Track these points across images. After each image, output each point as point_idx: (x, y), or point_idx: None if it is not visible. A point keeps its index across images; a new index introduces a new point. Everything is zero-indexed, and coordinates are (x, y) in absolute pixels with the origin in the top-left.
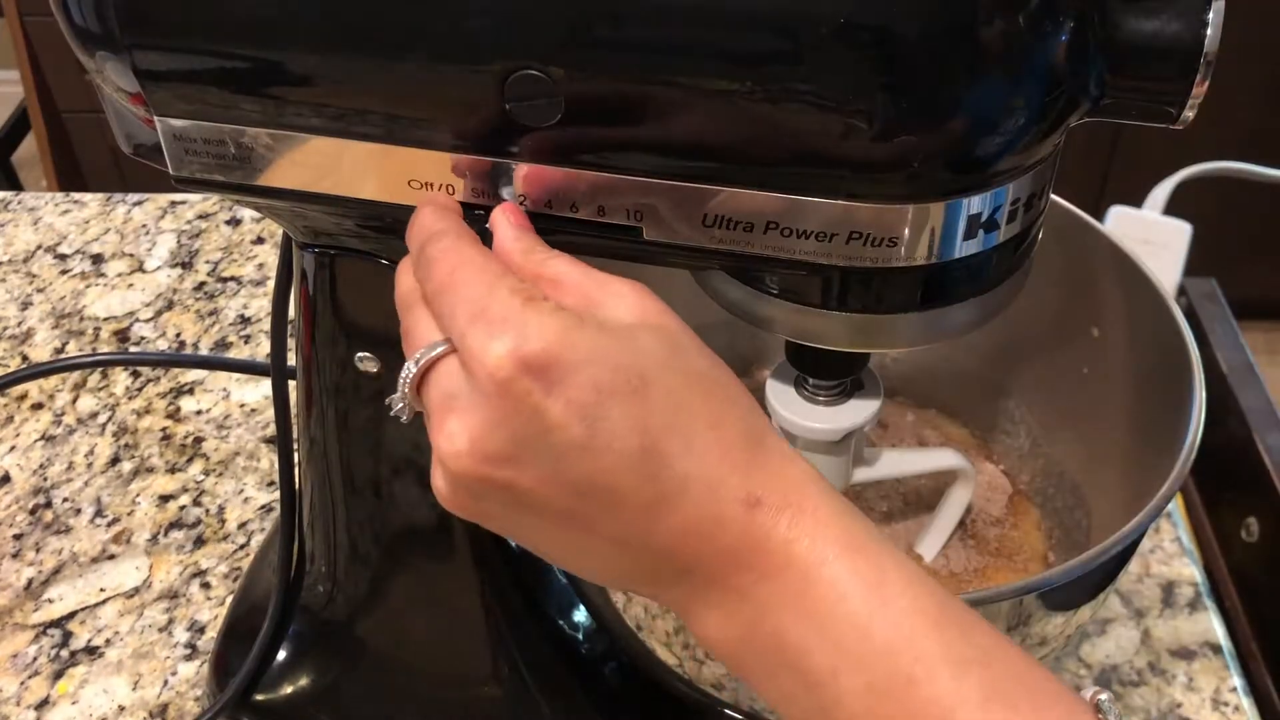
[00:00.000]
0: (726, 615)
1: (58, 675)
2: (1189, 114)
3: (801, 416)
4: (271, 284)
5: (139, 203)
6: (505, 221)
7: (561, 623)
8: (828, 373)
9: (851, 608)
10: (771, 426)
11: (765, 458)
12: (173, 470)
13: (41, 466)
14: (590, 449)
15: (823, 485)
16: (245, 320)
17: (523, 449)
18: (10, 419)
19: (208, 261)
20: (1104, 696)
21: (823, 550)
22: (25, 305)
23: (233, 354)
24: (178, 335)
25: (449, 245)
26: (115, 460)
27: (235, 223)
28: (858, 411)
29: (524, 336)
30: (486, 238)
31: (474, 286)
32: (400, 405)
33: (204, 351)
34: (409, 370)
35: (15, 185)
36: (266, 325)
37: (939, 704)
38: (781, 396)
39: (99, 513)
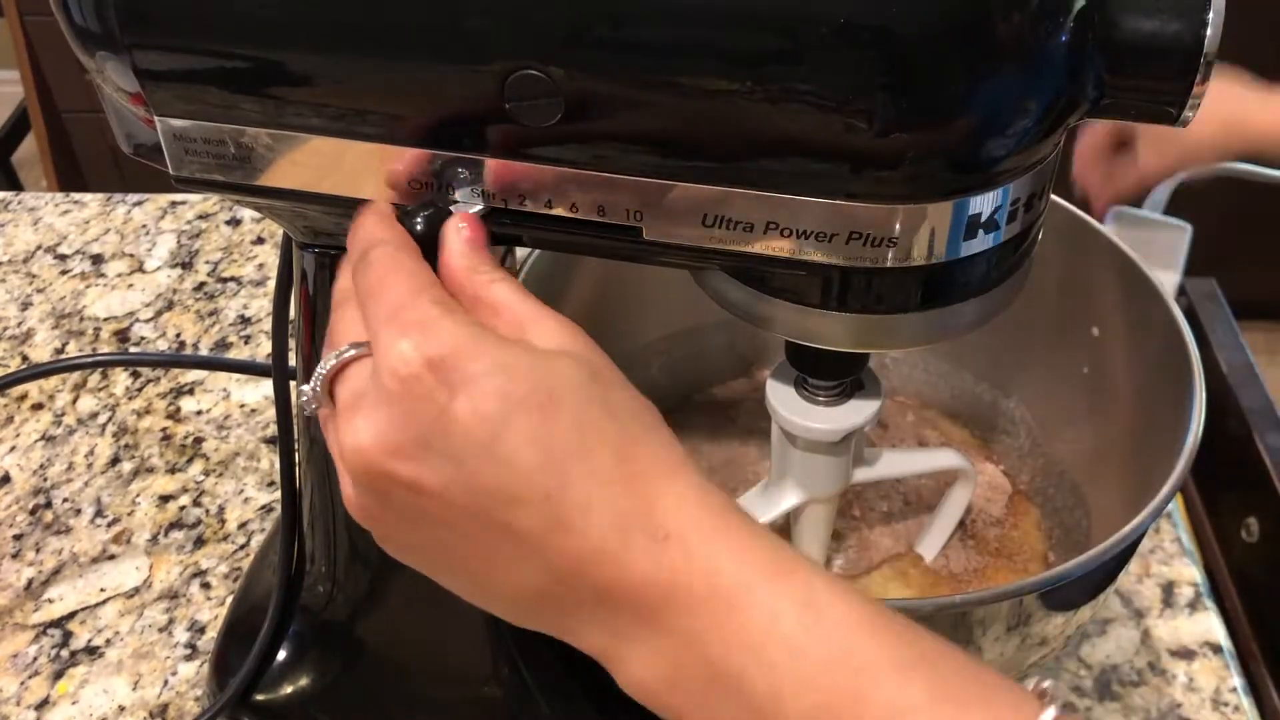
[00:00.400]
0: (653, 652)
1: (58, 675)
2: (1189, 114)
3: (801, 416)
4: (272, 284)
5: (139, 203)
6: (456, 235)
7: None
8: (828, 373)
9: (785, 628)
10: (687, 459)
11: (681, 489)
12: (173, 470)
13: (41, 467)
14: (492, 455)
15: (740, 513)
16: (245, 320)
17: (424, 448)
18: (10, 419)
19: (208, 262)
20: (1048, 683)
21: (747, 576)
22: (25, 305)
23: (233, 354)
24: (178, 335)
25: (386, 253)
26: (115, 460)
27: (235, 223)
28: (858, 411)
29: (432, 337)
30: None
31: (398, 292)
32: (307, 398)
33: (204, 352)
34: (323, 367)
35: (15, 185)
36: (267, 325)
37: (889, 710)
38: (781, 396)
39: (99, 513)
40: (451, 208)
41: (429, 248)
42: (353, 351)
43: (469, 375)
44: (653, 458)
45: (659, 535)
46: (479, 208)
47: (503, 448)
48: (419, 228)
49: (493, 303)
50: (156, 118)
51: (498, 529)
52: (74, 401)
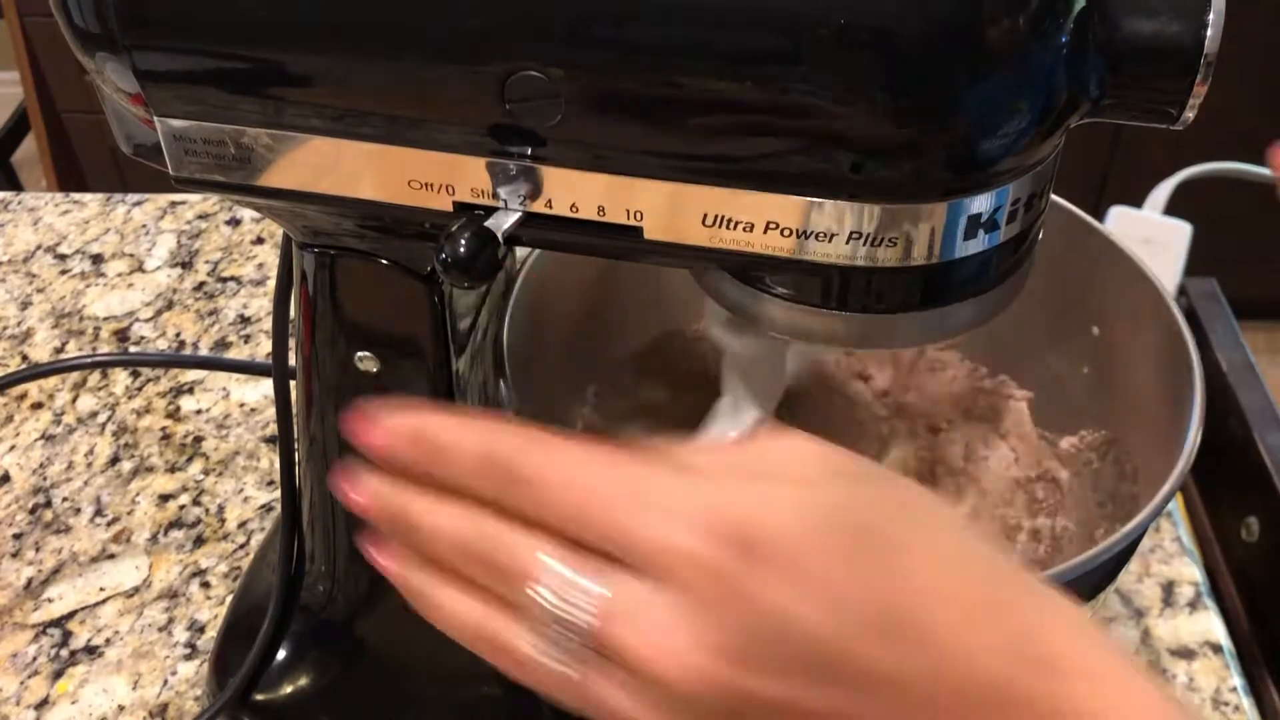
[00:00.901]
0: None
1: (57, 675)
2: (1189, 114)
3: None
4: (272, 284)
5: (139, 203)
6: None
7: None
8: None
9: None
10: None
11: (1036, 601)
12: (172, 470)
13: (41, 466)
14: (829, 632)
15: (1097, 626)
16: (245, 320)
17: (755, 641)
18: (10, 418)
19: (208, 261)
20: None
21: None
22: (25, 305)
23: (233, 354)
24: (178, 335)
25: (537, 452)
26: (115, 460)
27: (235, 223)
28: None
29: (712, 509)
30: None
31: (615, 482)
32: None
33: (204, 351)
34: (578, 620)
35: (15, 185)
36: (266, 325)
37: None
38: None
39: (99, 512)
40: (489, 222)
41: (471, 271)
42: (593, 588)
43: (772, 542)
44: (984, 561)
45: (1042, 664)
46: (518, 215)
47: (840, 617)
48: (462, 250)
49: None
50: (156, 118)
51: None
52: (74, 401)
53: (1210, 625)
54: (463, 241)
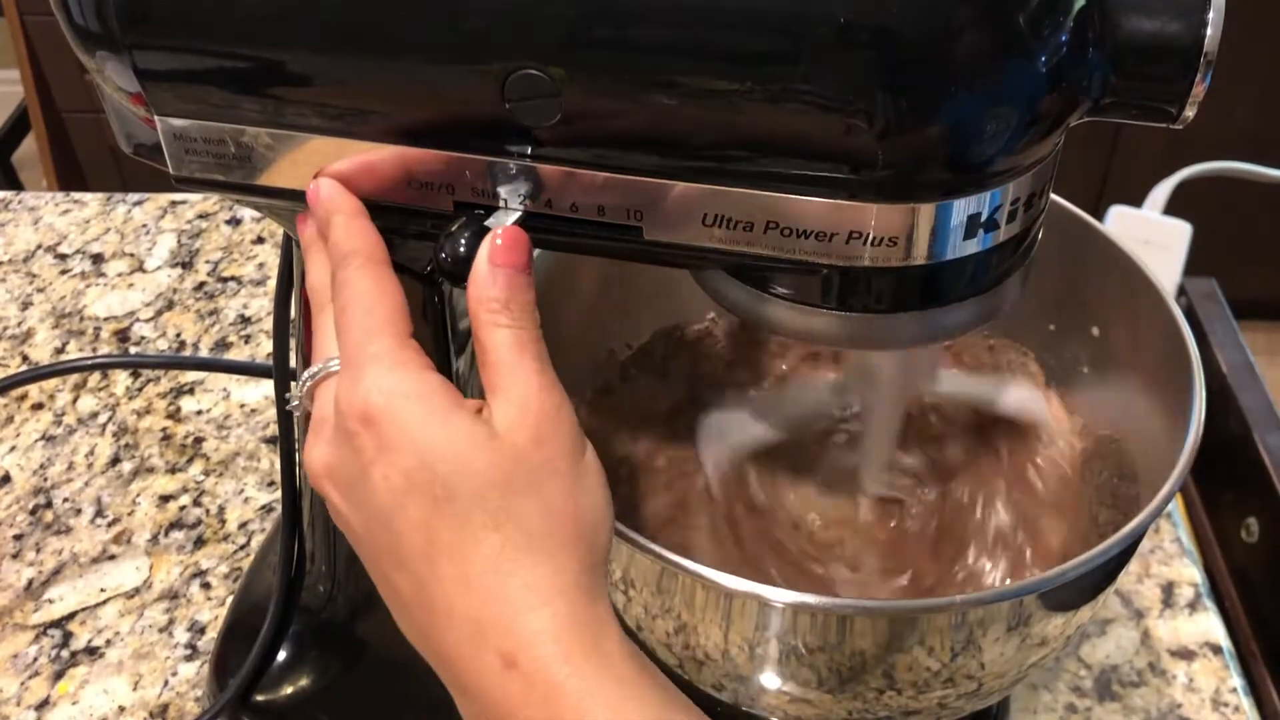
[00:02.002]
0: None
1: (58, 676)
2: (1189, 113)
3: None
4: (272, 284)
5: (139, 203)
6: (482, 254)
7: None
8: None
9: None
10: (584, 583)
11: (547, 618)
12: (173, 470)
13: (42, 467)
14: (388, 524)
15: (602, 652)
16: (245, 320)
17: (349, 488)
18: (10, 419)
19: (208, 261)
20: None
21: (587, 705)
22: (25, 305)
23: (233, 354)
24: (178, 335)
25: (353, 275)
26: (115, 460)
27: (235, 223)
28: None
29: (375, 387)
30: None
31: (360, 325)
32: (296, 404)
33: (204, 351)
34: (307, 376)
35: (15, 185)
36: (267, 325)
37: None
38: None
39: (99, 513)
40: (489, 221)
41: (469, 272)
42: (327, 368)
43: (390, 443)
44: (528, 576)
45: (508, 660)
46: (518, 215)
47: (396, 522)
48: (461, 250)
49: (485, 344)
50: (156, 117)
51: (382, 576)
52: (74, 401)
53: (1210, 626)
54: (462, 241)
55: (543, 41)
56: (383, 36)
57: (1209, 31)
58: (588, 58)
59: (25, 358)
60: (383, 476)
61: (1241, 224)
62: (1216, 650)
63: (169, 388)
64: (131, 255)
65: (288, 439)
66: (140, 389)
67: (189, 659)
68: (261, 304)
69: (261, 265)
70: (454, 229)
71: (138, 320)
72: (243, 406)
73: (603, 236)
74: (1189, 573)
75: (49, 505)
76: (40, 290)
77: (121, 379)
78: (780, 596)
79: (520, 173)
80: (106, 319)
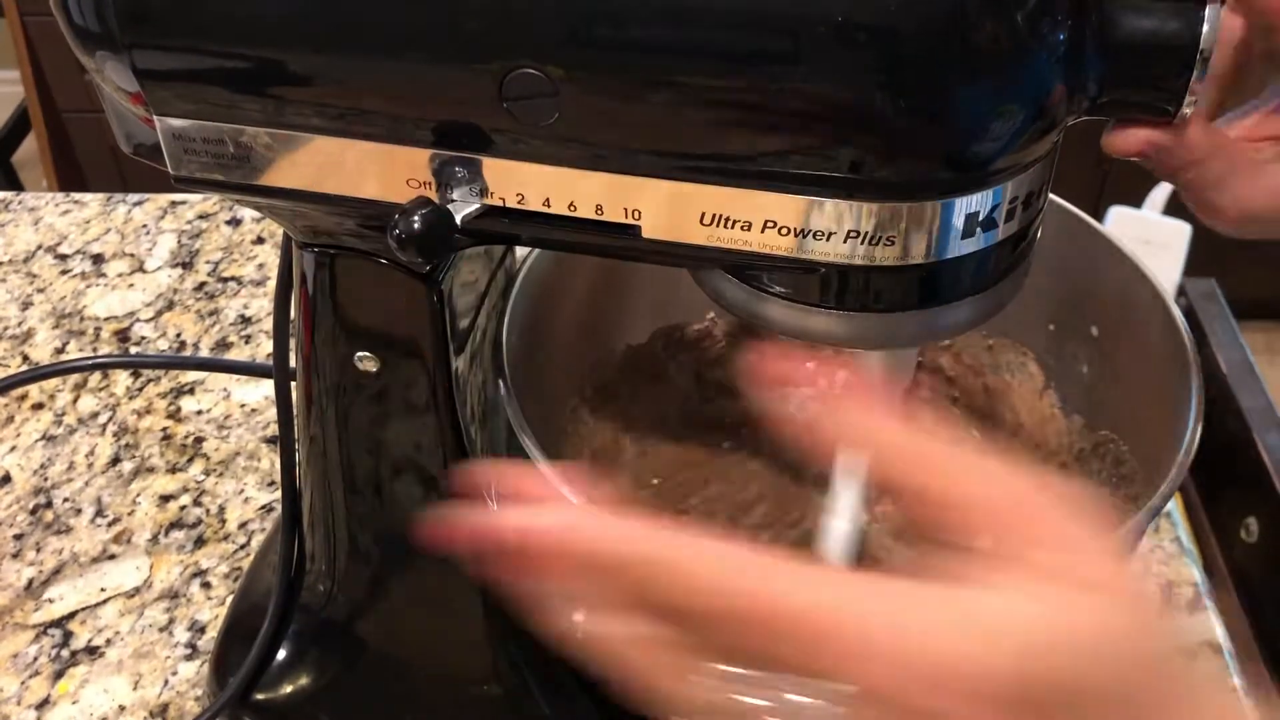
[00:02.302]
0: None
1: (58, 675)
2: (1186, 111)
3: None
4: (272, 284)
5: (139, 203)
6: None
7: None
8: None
9: None
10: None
11: None
12: (173, 470)
13: (42, 466)
14: None
15: None
16: (246, 320)
17: None
18: (10, 419)
19: (208, 261)
20: None
21: None
22: (26, 305)
23: (233, 354)
24: (178, 335)
25: (766, 582)
26: (116, 460)
27: (235, 223)
28: None
29: (1001, 648)
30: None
31: (857, 620)
32: None
33: (204, 351)
34: None
35: (15, 185)
36: (267, 325)
37: None
38: None
39: (99, 513)
40: (450, 206)
41: (427, 249)
42: None
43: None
44: None
45: None
46: (475, 207)
47: None
48: (416, 227)
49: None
50: (156, 117)
51: None
52: (74, 401)
53: (1210, 625)
54: (417, 218)
55: (541, 40)
56: (380, 36)
57: (1206, 29)
58: (585, 57)
59: (25, 358)
60: None
61: None
62: (1216, 650)
63: (169, 388)
64: (132, 255)
65: (288, 438)
66: (140, 389)
67: (189, 658)
68: (262, 304)
69: (262, 265)
70: (407, 205)
71: (138, 320)
72: (243, 406)
73: (602, 236)
74: (1188, 572)
75: (49, 505)
76: (40, 290)
77: (122, 379)
78: None
79: (519, 171)
80: (107, 319)
